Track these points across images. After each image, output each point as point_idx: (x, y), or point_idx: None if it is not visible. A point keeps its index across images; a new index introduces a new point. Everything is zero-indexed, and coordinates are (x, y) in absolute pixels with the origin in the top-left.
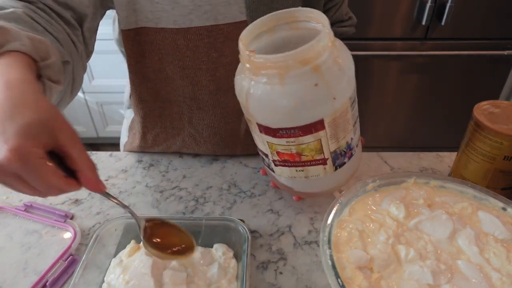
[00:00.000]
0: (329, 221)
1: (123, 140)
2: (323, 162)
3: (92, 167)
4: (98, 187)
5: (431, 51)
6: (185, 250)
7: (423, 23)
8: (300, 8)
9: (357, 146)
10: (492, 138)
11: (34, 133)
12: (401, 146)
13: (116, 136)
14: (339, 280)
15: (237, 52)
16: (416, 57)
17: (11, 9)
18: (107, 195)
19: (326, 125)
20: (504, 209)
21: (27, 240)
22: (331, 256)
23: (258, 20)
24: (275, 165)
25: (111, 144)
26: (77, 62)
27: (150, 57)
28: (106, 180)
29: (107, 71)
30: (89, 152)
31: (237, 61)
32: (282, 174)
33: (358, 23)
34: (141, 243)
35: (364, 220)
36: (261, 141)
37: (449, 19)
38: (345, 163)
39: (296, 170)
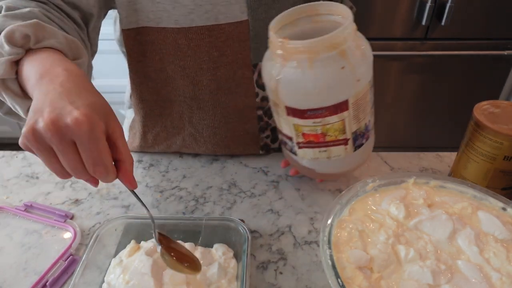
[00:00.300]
0: (329, 221)
1: None
2: (345, 142)
3: (132, 162)
4: (133, 181)
5: (431, 51)
6: (193, 268)
7: (423, 23)
8: (322, 2)
9: (372, 128)
10: (492, 138)
11: (98, 111)
12: (401, 146)
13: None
14: (339, 280)
15: (237, 51)
16: (416, 57)
17: (28, 9)
18: (136, 195)
19: (350, 105)
20: (504, 209)
21: (27, 240)
22: (331, 256)
23: (284, 12)
24: (299, 147)
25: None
26: (87, 59)
27: (151, 56)
28: None
29: (107, 71)
30: None
31: (237, 61)
32: (305, 156)
33: (358, 23)
34: (141, 243)
35: (364, 220)
36: (287, 124)
37: (449, 19)
38: (363, 144)
39: (319, 151)
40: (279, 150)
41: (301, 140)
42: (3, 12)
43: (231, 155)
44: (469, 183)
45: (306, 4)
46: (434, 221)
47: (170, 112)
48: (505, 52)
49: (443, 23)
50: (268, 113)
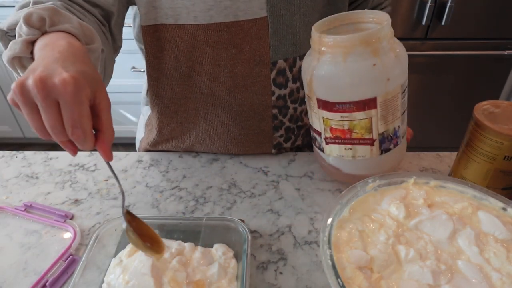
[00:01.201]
0: (329, 221)
1: (140, 136)
2: (371, 142)
3: (113, 135)
4: (109, 153)
5: (431, 51)
6: (156, 249)
7: (423, 23)
8: (365, 10)
9: (403, 137)
10: (492, 138)
11: (88, 79)
12: None
13: (116, 136)
14: (339, 280)
15: (256, 49)
16: (416, 57)
17: (50, 3)
18: (111, 167)
19: (378, 104)
20: (504, 209)
21: (27, 240)
22: (331, 256)
23: (328, 17)
24: (326, 143)
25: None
26: (108, 52)
27: (168, 54)
28: (106, 180)
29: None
30: (88, 153)
31: (255, 58)
32: (331, 153)
33: None
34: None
35: (364, 220)
36: (317, 118)
37: (449, 19)
38: (390, 149)
39: (345, 148)
40: (291, 150)
41: (328, 135)
42: (31, 5)
43: (236, 155)
44: (469, 183)
45: (350, 12)
46: (434, 221)
47: (185, 109)
48: (505, 52)
49: (443, 23)
50: (283, 112)
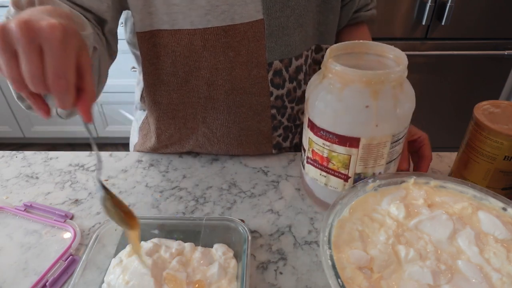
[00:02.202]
0: (329, 221)
1: (134, 140)
2: (345, 178)
3: (94, 97)
4: (89, 114)
5: (431, 51)
6: (131, 223)
7: (423, 23)
8: (388, 46)
9: None
10: (492, 138)
11: (76, 32)
12: None
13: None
14: (339, 280)
15: (253, 51)
16: (416, 57)
17: None
18: (89, 130)
19: (360, 145)
20: (504, 209)
21: (27, 240)
22: (331, 256)
23: (352, 42)
24: (307, 162)
25: (112, 144)
26: (102, 52)
27: (164, 60)
28: (106, 180)
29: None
30: (88, 152)
31: (253, 60)
32: (309, 172)
33: None
34: (141, 243)
35: (364, 220)
36: (305, 136)
37: (449, 19)
38: None
39: (320, 174)
40: (290, 149)
41: (310, 155)
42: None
43: (235, 155)
44: (469, 183)
45: (374, 42)
46: (434, 221)
47: (183, 114)
48: (505, 52)
49: (443, 23)
50: (281, 112)
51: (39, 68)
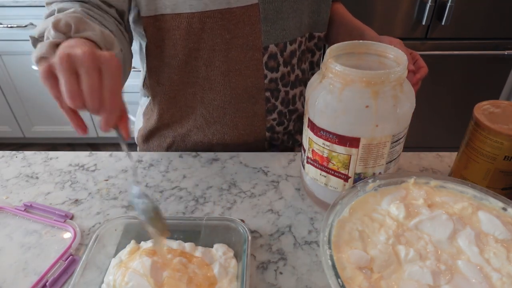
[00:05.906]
0: (329, 221)
1: (138, 126)
2: (345, 178)
3: (128, 117)
4: (128, 131)
5: (431, 51)
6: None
7: (423, 23)
8: (388, 46)
9: None
10: (492, 138)
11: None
12: None
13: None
14: (339, 280)
15: (248, 34)
16: None
17: (72, 9)
18: (124, 145)
19: (360, 145)
20: (504, 209)
21: (27, 240)
22: (331, 256)
23: (353, 42)
24: (307, 162)
25: (111, 144)
26: (126, 50)
27: (167, 42)
28: (106, 180)
29: None
30: (88, 152)
31: (248, 43)
32: (309, 173)
33: None
34: (141, 243)
35: (364, 220)
36: (305, 136)
37: (450, 19)
38: None
39: (320, 174)
40: (283, 135)
41: (310, 155)
42: (56, 13)
43: (233, 150)
44: (469, 183)
45: (375, 43)
46: (434, 221)
47: (184, 93)
48: (505, 52)
49: (443, 23)
50: (275, 95)
51: (98, 85)
